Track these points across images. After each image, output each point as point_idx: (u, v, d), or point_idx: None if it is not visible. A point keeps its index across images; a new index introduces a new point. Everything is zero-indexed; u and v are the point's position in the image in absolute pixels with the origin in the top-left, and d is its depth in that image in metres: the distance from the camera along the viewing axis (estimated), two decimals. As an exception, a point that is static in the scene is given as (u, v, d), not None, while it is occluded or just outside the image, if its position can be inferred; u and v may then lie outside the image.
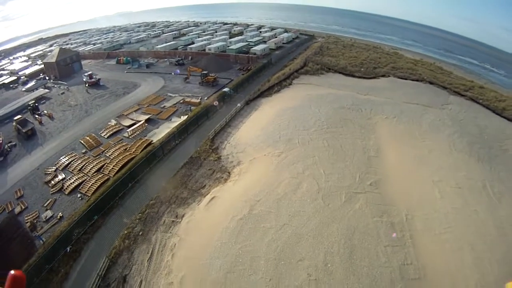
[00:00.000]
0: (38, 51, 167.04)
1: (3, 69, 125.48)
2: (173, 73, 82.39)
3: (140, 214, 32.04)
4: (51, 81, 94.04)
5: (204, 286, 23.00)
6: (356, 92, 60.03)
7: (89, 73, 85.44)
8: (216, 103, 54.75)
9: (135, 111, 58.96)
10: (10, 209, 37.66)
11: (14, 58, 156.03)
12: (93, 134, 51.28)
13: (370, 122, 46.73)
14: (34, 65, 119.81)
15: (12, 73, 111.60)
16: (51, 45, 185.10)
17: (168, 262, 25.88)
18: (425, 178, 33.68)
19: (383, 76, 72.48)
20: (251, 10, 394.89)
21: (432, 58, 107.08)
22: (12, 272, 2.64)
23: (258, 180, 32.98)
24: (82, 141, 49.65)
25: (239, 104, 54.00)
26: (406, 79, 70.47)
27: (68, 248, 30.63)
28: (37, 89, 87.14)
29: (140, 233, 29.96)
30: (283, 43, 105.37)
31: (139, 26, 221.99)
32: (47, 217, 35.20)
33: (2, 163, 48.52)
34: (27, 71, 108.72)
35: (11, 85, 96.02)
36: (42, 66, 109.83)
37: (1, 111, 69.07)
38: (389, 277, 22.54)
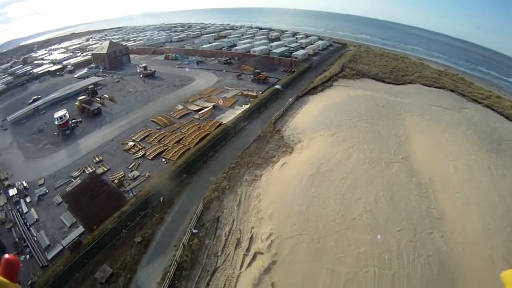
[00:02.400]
0: (75, 44, 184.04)
1: (42, 59, 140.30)
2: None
3: (224, 174, 41.06)
4: (100, 71, 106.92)
5: (290, 217, 33.45)
6: (387, 95, 71.00)
7: (143, 65, 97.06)
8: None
9: (198, 99, 70.58)
10: (90, 170, 44.61)
11: (51, 50, 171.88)
12: (164, 115, 61.91)
13: (400, 117, 57.78)
14: (75, 56, 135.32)
15: (53, 62, 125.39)
16: (87, 40, 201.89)
17: (256, 205, 35.95)
18: (442, 157, 44.55)
19: (410, 83, 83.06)
20: (277, 15, 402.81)
21: (455, 70, 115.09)
22: (7, 256, 2.75)
23: (318, 151, 44.75)
24: (155, 120, 59.92)
25: (290, 99, 65.48)
26: (430, 86, 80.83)
27: (161, 199, 37.18)
28: (88, 77, 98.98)
29: (227, 187, 38.56)
30: (319, 50, 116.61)
31: (174, 26, 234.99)
32: (134, 176, 42.40)
33: (69, 135, 57.82)
34: (72, 61, 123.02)
35: (57, 73, 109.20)
36: (86, 57, 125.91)
37: (56, 94, 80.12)
38: (419, 214, 33.50)
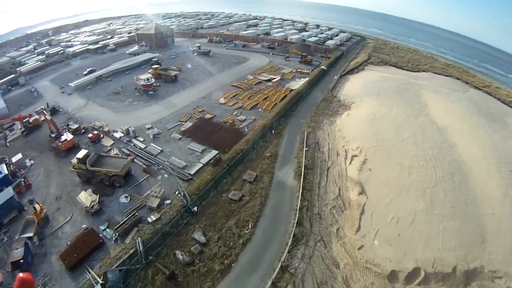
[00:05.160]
0: (98, 28, 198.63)
1: (69, 41, 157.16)
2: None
3: (309, 119, 59.74)
4: (148, 49, 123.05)
5: (366, 138, 53.63)
6: (407, 78, 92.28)
7: (198, 45, 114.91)
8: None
9: (263, 72, 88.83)
10: (198, 116, 58.41)
11: (75, 34, 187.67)
12: (241, 82, 78.68)
13: (419, 92, 78.90)
14: (107, 38, 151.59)
15: (89, 43, 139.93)
16: (108, 25, 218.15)
17: (340, 135, 55.77)
18: (451, 117, 65.23)
19: (423, 71, 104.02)
20: (287, 8, 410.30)
21: (462, 65, 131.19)
22: (21, 274, 6.44)
23: (370, 108, 65.91)
24: (235, 85, 76.33)
25: (335, 76, 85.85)
26: (440, 74, 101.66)
27: (273, 131, 53.79)
28: (139, 53, 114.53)
29: (315, 126, 57.90)
30: (343, 41, 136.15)
31: (197, 15, 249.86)
32: (242, 119, 57.44)
33: (153, 95, 70.67)
34: (111, 41, 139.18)
35: (99, 51, 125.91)
36: (122, 38, 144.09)
37: (117, 65, 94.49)
38: (440, 142, 54.50)
